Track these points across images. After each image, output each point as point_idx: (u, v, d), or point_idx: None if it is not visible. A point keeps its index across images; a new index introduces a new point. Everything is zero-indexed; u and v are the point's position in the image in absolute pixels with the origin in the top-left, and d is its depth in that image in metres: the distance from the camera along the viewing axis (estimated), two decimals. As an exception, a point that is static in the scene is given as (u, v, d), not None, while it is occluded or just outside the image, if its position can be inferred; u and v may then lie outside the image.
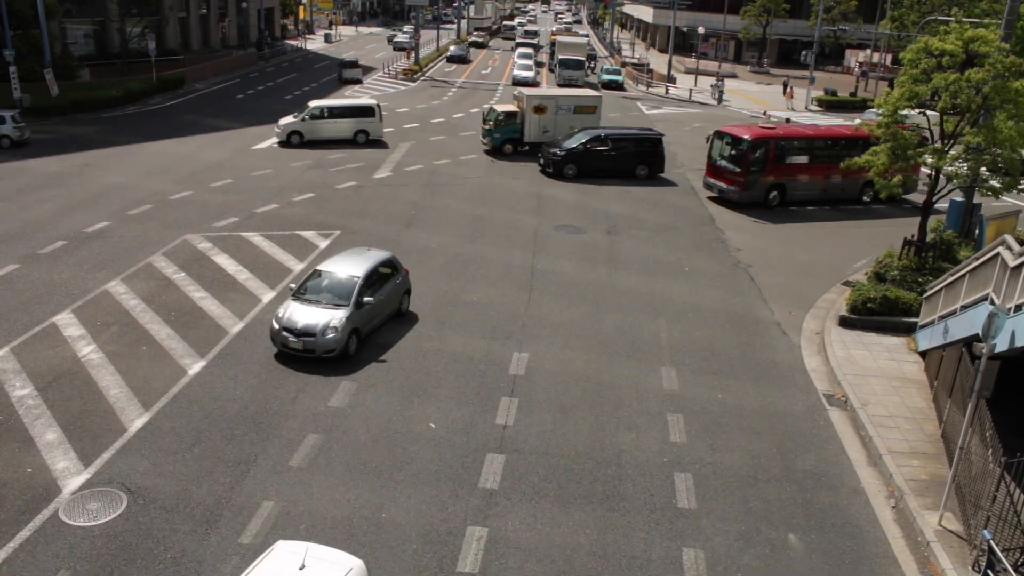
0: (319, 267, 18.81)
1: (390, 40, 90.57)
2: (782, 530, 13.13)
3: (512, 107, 38.92)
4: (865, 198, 32.89)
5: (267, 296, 20.67)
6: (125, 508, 12.62)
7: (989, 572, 11.37)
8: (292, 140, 37.88)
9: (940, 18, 48.16)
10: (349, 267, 18.46)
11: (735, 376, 18.13)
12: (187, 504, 12.77)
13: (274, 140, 38.69)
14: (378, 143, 39.00)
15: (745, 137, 30.99)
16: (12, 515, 12.35)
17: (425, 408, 15.93)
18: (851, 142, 32.13)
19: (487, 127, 38.61)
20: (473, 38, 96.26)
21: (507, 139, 37.96)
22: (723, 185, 31.80)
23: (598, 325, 20.30)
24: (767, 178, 31.33)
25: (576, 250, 25.76)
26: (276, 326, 17.34)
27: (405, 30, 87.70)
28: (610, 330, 20.04)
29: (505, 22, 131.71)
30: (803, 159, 31.84)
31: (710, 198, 32.49)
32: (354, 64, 63.97)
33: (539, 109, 37.71)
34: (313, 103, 39.32)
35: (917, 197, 32.68)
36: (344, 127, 38.40)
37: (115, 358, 17.17)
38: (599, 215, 29.79)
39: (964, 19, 29.52)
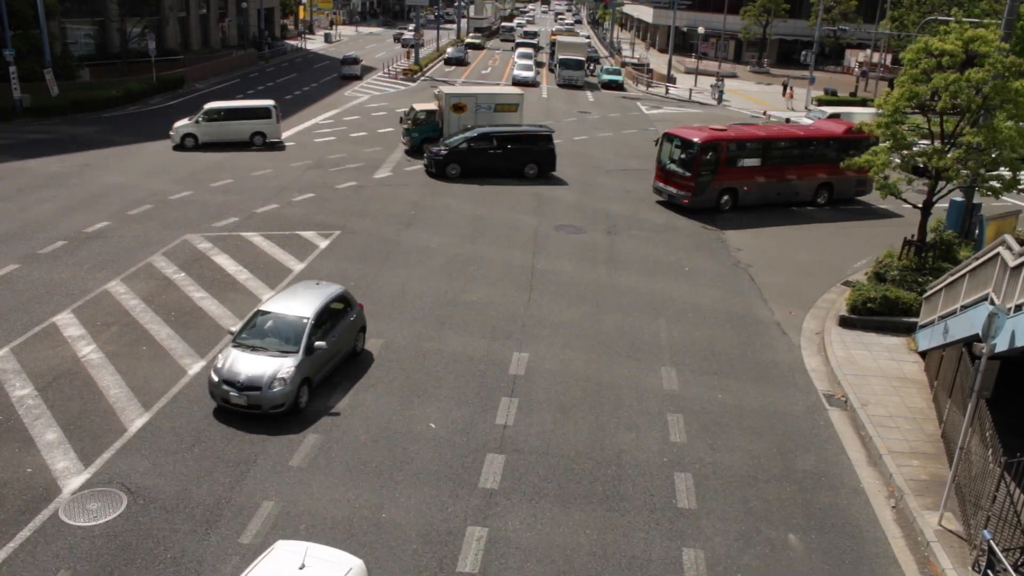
0: (262, 306, 16.60)
1: (397, 38, 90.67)
2: (782, 530, 13.13)
3: (432, 106, 38.10)
4: (820, 200, 32.28)
5: (267, 296, 20.67)
6: (125, 508, 12.62)
7: (989, 572, 11.36)
8: (186, 143, 36.16)
9: (940, 18, 48.18)
10: (297, 306, 16.27)
11: (735, 376, 18.13)
12: (187, 504, 12.77)
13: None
14: (276, 146, 37.53)
15: (695, 140, 29.81)
16: (12, 515, 12.35)
17: (425, 408, 15.93)
18: (805, 142, 31.87)
19: (406, 126, 37.64)
20: (469, 39, 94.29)
21: (426, 138, 36.66)
22: (673, 190, 30.66)
23: (598, 325, 20.30)
24: (719, 182, 30.28)
25: (576, 250, 25.76)
26: (215, 378, 15.14)
27: (411, 28, 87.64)
28: (610, 330, 20.04)
29: (504, 23, 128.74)
30: (756, 161, 30.92)
31: (659, 203, 31.56)
32: (355, 61, 65.07)
33: (458, 107, 36.83)
34: (209, 105, 37.65)
35: (871, 199, 32.72)
36: (240, 129, 36.94)
37: (115, 358, 17.18)
38: (599, 215, 29.80)
39: (964, 19, 29.55)
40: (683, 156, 30.25)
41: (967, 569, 12.20)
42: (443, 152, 33.41)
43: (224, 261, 22.90)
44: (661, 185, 31.44)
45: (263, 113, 37.55)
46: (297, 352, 15.38)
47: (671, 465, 14.62)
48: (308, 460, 14.09)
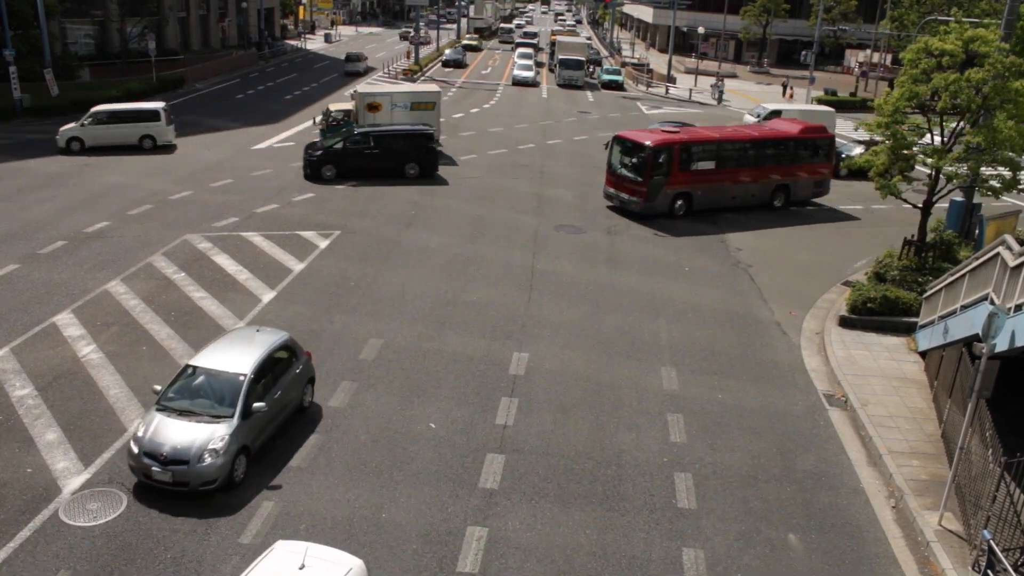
0: (192, 361, 14.22)
1: (403, 36, 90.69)
2: (782, 530, 13.14)
3: (348, 106, 37.32)
4: (776, 203, 31.52)
5: (267, 296, 20.67)
6: (125, 508, 12.62)
7: (989, 572, 11.37)
8: (72, 147, 34.31)
9: (940, 18, 48.18)
10: (233, 360, 13.99)
11: (735, 376, 18.13)
12: (187, 504, 12.76)
13: (273, 140, 38.64)
14: (167, 148, 35.92)
15: (646, 143, 28.74)
16: (12, 515, 12.35)
17: (425, 408, 15.93)
18: (760, 143, 31.14)
19: (321, 127, 36.55)
20: (466, 41, 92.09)
21: None
22: (624, 195, 29.56)
23: (598, 325, 20.30)
24: (672, 186, 29.21)
25: (576, 250, 25.76)
26: (135, 449, 12.87)
27: (415, 28, 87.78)
28: (610, 330, 20.04)
29: (502, 24, 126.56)
30: (710, 164, 29.97)
31: (610, 208, 30.48)
32: (358, 58, 65.57)
33: (373, 107, 35.86)
34: (97, 107, 35.90)
35: (828, 201, 32.51)
36: (128, 132, 35.25)
37: (115, 358, 17.17)
38: (599, 215, 29.79)
39: (964, 19, 29.53)
40: (634, 160, 29.24)
41: (967, 569, 12.20)
42: (317, 153, 32.06)
43: (224, 261, 22.90)
44: (612, 191, 30.34)
45: (151, 116, 35.85)
46: (232, 416, 13.20)
47: (671, 465, 14.62)
48: (308, 460, 14.09)
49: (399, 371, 17.31)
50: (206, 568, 11.53)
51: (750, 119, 46.53)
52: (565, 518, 13.02)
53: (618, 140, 30.29)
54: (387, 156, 32.34)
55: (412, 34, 74.28)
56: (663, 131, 30.70)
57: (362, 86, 38.09)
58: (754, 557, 12.47)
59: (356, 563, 9.65)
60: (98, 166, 32.74)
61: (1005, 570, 11.14)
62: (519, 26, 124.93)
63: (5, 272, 21.47)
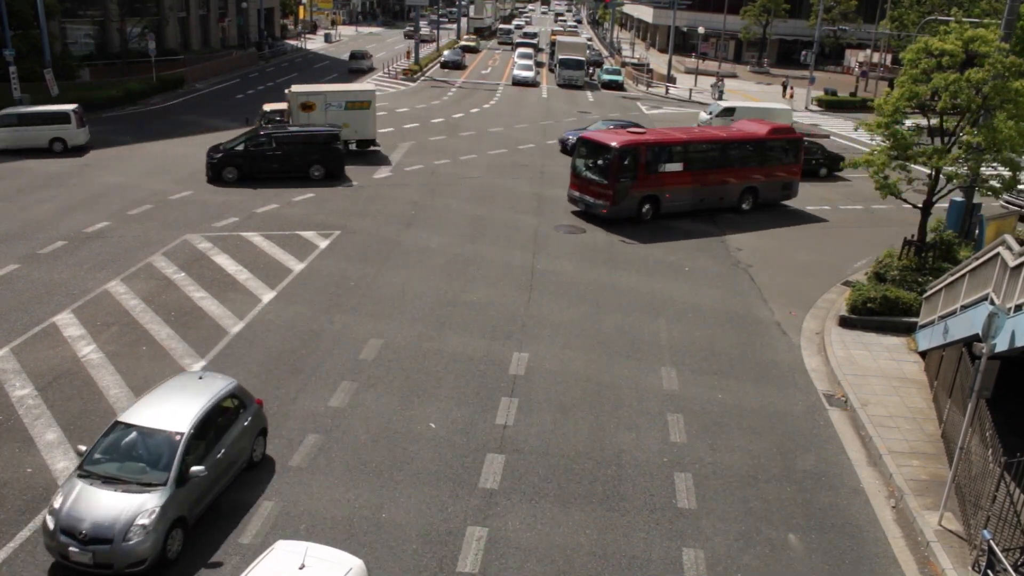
0: (122, 416, 12.34)
1: (408, 35, 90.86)
2: (782, 530, 13.14)
3: (283, 105, 36.73)
4: (745, 206, 30.80)
5: (267, 296, 20.67)
6: (125, 508, 12.59)
7: (989, 572, 11.37)
8: None
9: (940, 18, 48.17)
10: (169, 414, 12.13)
11: (735, 376, 18.13)
12: (187, 504, 12.76)
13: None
14: (79, 150, 34.49)
15: (612, 144, 27.73)
16: (12, 515, 12.35)
17: (425, 408, 15.93)
18: (728, 145, 30.42)
19: (256, 127, 35.13)
20: (463, 43, 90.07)
21: None
22: (589, 199, 28.47)
23: (598, 325, 20.30)
24: (639, 189, 28.21)
25: (576, 250, 25.76)
26: (51, 525, 11.04)
27: (422, 25, 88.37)
28: (610, 330, 20.05)
29: (500, 25, 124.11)
30: (678, 166, 28.96)
31: (575, 213, 29.38)
32: (363, 56, 67.30)
33: (306, 106, 35.12)
34: (5, 110, 35.06)
35: (796, 203, 32.24)
36: (38, 135, 34.11)
37: (115, 358, 17.17)
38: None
39: (964, 19, 29.51)
40: (600, 162, 28.27)
41: (967, 569, 12.20)
42: (218, 156, 31.13)
43: (224, 261, 22.90)
44: (577, 194, 29.16)
45: (62, 118, 34.56)
46: (165, 483, 11.36)
47: (671, 465, 14.62)
48: (308, 460, 14.09)
49: (399, 371, 17.31)
50: (206, 568, 11.52)
51: (704, 117, 46.57)
52: (565, 518, 13.02)
53: (583, 141, 29.53)
54: (290, 158, 31.51)
55: (414, 31, 74.26)
56: (629, 132, 29.91)
57: (296, 86, 37.43)
58: (754, 557, 12.48)
59: (356, 563, 9.66)
60: (98, 166, 32.75)
61: (1005, 570, 11.14)
62: (518, 27, 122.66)
63: (5, 272, 21.48)
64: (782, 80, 70.68)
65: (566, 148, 37.54)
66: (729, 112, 45.33)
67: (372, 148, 36.97)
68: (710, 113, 46.89)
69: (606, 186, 27.95)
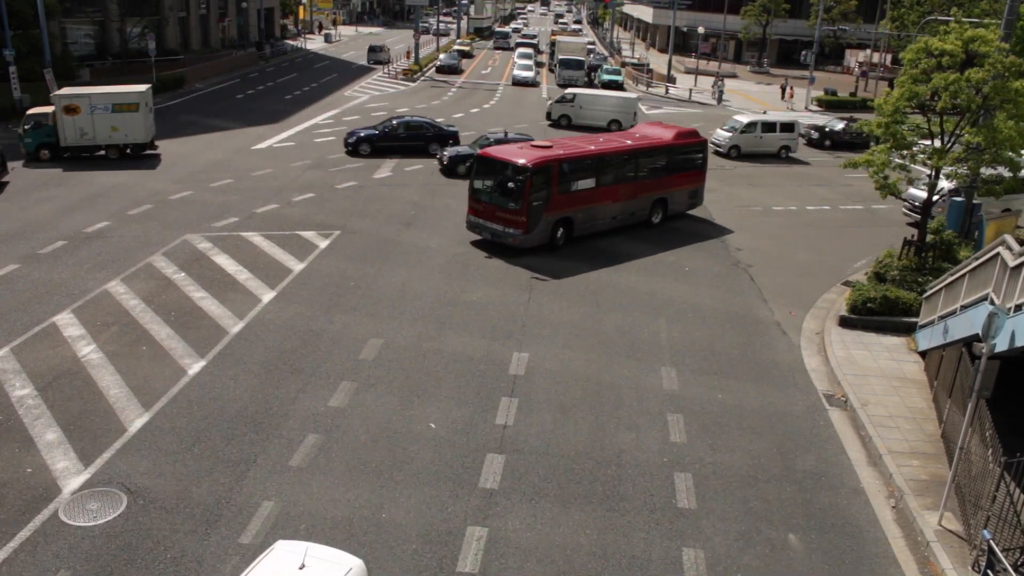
0: None
1: (424, 30, 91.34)
2: (782, 530, 13.14)
3: (50, 108, 34.81)
4: (655, 219, 28.42)
5: (267, 296, 20.67)
6: (125, 508, 12.62)
7: (989, 572, 11.37)
8: None
9: (940, 18, 48.15)
10: None
11: (735, 376, 18.13)
12: (187, 504, 12.76)
13: (273, 140, 38.64)
14: None
15: (522, 163, 24.09)
16: (12, 515, 12.35)
17: (425, 408, 15.93)
18: (637, 154, 27.43)
19: (20, 132, 33.47)
20: (457, 46, 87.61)
21: (41, 144, 32.94)
22: (497, 227, 24.56)
23: (598, 325, 20.30)
24: (552, 212, 24.73)
25: (576, 249, 25.74)
26: None
27: (426, 22, 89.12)
28: (610, 330, 20.05)
29: (498, 28, 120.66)
30: (590, 182, 25.81)
31: (475, 243, 25.50)
32: (381, 48, 74.03)
33: (70, 109, 32.95)
34: None
35: (699, 211, 31.20)
36: None
37: (115, 358, 17.17)
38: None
39: (964, 19, 29.51)
40: (508, 184, 24.41)
41: (967, 569, 12.20)
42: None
43: (224, 261, 22.90)
44: (479, 220, 25.12)
45: None
46: None
47: (671, 465, 14.62)
48: (308, 460, 14.09)
49: (399, 371, 17.31)
50: (206, 568, 11.53)
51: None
52: (565, 518, 13.02)
53: (483, 160, 25.50)
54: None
55: (416, 30, 74.26)
56: (534, 147, 26.01)
57: (65, 89, 36.05)
58: (754, 557, 12.47)
59: (356, 563, 9.65)
60: (98, 166, 32.74)
61: (1005, 570, 11.14)
62: (516, 30, 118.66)
63: (5, 272, 21.48)
64: (782, 80, 70.66)
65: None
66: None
67: (149, 152, 34.78)
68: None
69: (517, 211, 24.18)
